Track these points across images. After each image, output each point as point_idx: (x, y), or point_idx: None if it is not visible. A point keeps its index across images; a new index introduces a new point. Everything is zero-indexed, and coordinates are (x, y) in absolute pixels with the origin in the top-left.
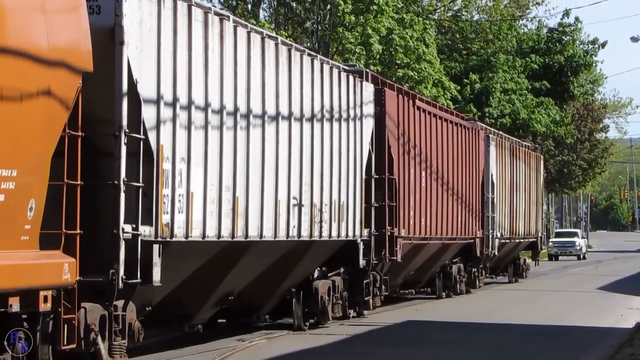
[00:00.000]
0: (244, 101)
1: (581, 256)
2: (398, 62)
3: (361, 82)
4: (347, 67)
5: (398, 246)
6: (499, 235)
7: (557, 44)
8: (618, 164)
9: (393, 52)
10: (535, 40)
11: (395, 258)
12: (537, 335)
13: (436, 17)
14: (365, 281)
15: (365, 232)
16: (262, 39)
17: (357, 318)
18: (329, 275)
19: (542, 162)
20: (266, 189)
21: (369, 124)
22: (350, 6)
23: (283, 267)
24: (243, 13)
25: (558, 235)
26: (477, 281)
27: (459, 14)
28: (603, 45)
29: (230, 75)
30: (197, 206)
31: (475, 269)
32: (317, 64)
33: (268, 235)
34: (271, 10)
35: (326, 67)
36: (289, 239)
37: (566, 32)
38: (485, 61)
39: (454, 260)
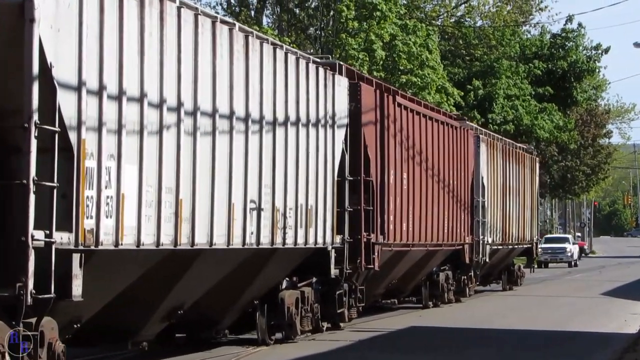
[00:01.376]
0: (189, 93)
1: (572, 263)
2: (401, 68)
3: (333, 75)
4: (318, 59)
5: (375, 254)
6: (490, 241)
7: (560, 50)
8: (621, 169)
9: (396, 58)
10: (539, 46)
11: (372, 267)
12: (540, 341)
13: (439, 23)
14: (338, 292)
15: (338, 238)
16: (213, 23)
17: (331, 331)
18: (299, 285)
19: (537, 164)
20: (217, 191)
21: (342, 121)
22: (354, 12)
23: (242, 277)
24: (246, 19)
25: (548, 240)
26: (467, 289)
27: (462, 20)
28: (606, 50)
29: (173, 62)
30: (129, 210)
31: (465, 277)
32: (280, 53)
33: (220, 242)
34: (274, 16)
35: (291, 58)
36: (246, 246)
37: (569, 38)
38: (489, 67)
39: (442, 268)
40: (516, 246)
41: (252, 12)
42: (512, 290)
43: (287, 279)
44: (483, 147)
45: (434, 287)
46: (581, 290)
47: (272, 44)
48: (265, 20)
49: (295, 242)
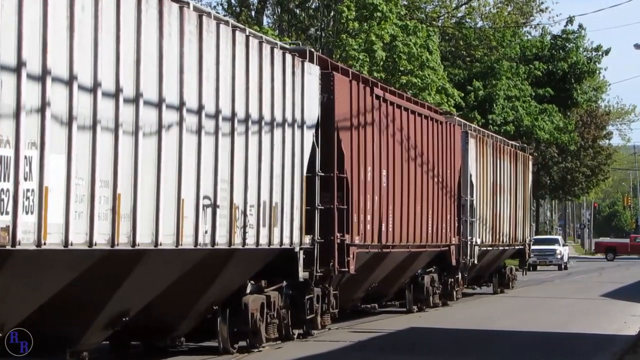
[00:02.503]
0: (130, 75)
1: (562, 266)
2: (401, 69)
3: (302, 62)
4: (286, 45)
5: (350, 256)
6: (479, 242)
7: (561, 51)
8: (621, 171)
9: (397, 59)
10: (539, 48)
11: (346, 270)
12: (539, 343)
13: (440, 24)
14: (307, 297)
15: (307, 239)
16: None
17: (303, 340)
18: (266, 289)
19: (530, 162)
20: (164, 185)
21: (312, 113)
22: (354, 13)
23: (197, 280)
24: (247, 20)
25: (536, 242)
26: (455, 293)
27: (463, 21)
28: (607, 52)
29: (110, 41)
30: (55, 205)
31: (452, 280)
32: (240, 36)
33: (167, 242)
34: (275, 17)
35: (254, 42)
36: (199, 247)
37: (570, 39)
38: (489, 68)
39: (427, 270)
40: (507, 247)
41: (253, 13)
42: (503, 293)
43: (252, 282)
44: (471, 144)
45: (419, 291)
46: (580, 292)
47: (233, 26)
48: (265, 20)
49: (258, 243)
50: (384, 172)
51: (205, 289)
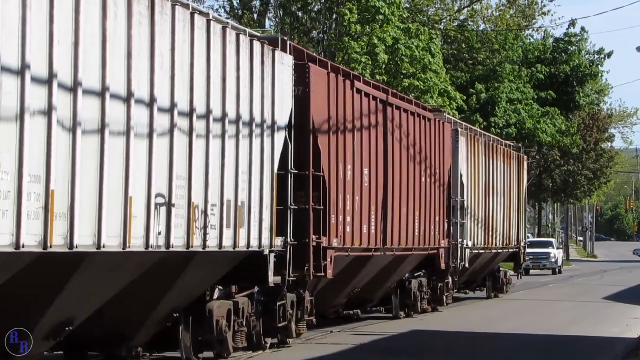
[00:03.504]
0: (67, 59)
1: (557, 270)
2: (404, 72)
3: (273, 51)
4: (256, 33)
5: (328, 260)
6: (470, 245)
7: (563, 54)
8: (624, 174)
9: (399, 62)
10: (542, 51)
11: (322, 274)
12: (543, 346)
13: (442, 27)
14: (279, 303)
15: (279, 241)
16: None
17: (275, 350)
18: (237, 295)
19: (525, 162)
20: (108, 182)
21: (285, 106)
22: (357, 16)
23: (153, 286)
24: (249, 22)
25: (530, 245)
26: (445, 298)
27: (465, 24)
28: (609, 55)
29: (42, 21)
30: None
31: (442, 284)
32: (200, 21)
33: (112, 244)
34: (277, 19)
35: (216, 27)
36: (151, 249)
37: (572, 42)
38: (491, 71)
39: (415, 274)
40: (501, 250)
41: (255, 16)
42: (498, 297)
43: (220, 287)
44: (462, 142)
45: (406, 296)
46: (582, 295)
47: (193, 9)
48: (268, 23)
49: (221, 245)
50: (365, 171)
51: (163, 295)
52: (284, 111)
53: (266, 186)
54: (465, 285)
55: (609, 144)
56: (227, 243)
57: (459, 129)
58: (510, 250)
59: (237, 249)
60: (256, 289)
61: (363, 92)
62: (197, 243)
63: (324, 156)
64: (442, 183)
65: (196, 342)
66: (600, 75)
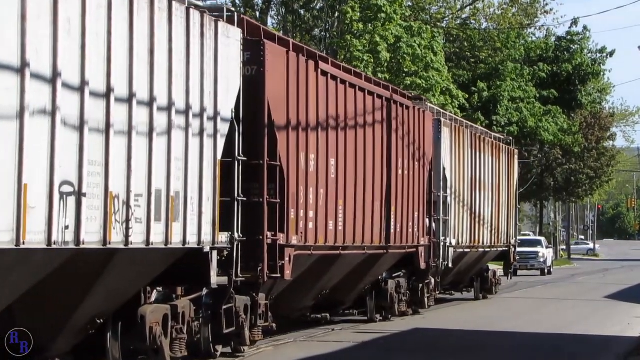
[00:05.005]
0: None
1: (545, 270)
2: (406, 70)
3: (216, 22)
4: (197, 2)
5: (286, 258)
6: (454, 244)
7: (565, 53)
8: (625, 172)
9: (401, 60)
10: (544, 49)
11: (277, 275)
12: (544, 345)
13: (444, 25)
14: (225, 307)
15: (223, 237)
16: None
17: (227, 358)
18: (182, 298)
19: (516, 157)
20: None
21: (230, 86)
22: (359, 14)
23: (68, 288)
24: None
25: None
26: (426, 299)
27: (467, 22)
28: (611, 54)
29: None
30: None
31: (422, 285)
32: None
33: (3, 240)
34: (279, 17)
35: None
36: (55, 246)
37: (574, 41)
38: (493, 69)
39: (394, 275)
40: (489, 249)
41: (258, 14)
42: (486, 299)
43: (159, 289)
44: (445, 133)
45: (382, 298)
46: (583, 293)
47: None
48: (270, 21)
49: (148, 242)
50: (332, 162)
51: (82, 299)
52: (230, 91)
53: (207, 175)
54: (450, 286)
55: (611, 142)
56: (157, 239)
57: (442, 119)
58: (499, 249)
59: (169, 246)
60: (205, 291)
61: (329, 75)
62: (116, 239)
63: (281, 144)
64: (422, 176)
65: (127, 351)
66: (602, 73)
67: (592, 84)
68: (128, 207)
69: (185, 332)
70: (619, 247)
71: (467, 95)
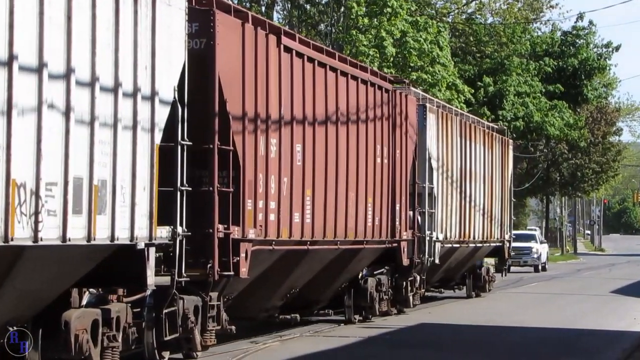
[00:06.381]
0: None
1: (539, 267)
2: (412, 65)
3: None
4: None
5: (242, 254)
6: (441, 238)
7: (571, 47)
8: (631, 167)
9: (407, 55)
10: (549, 44)
11: (231, 273)
12: (551, 339)
13: (450, 20)
14: (167, 310)
15: (163, 231)
16: None
17: None
18: (118, 301)
19: (510, 147)
20: None
21: (173, 60)
22: (364, 9)
23: None
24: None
25: None
26: (411, 298)
27: (473, 17)
28: (617, 48)
29: None
30: None
31: (406, 282)
32: None
33: None
34: (285, 12)
35: None
36: None
37: (580, 36)
38: (499, 64)
39: (375, 272)
40: (481, 245)
41: (263, 8)
42: (479, 296)
43: (91, 291)
44: (431, 120)
45: (361, 296)
46: (587, 289)
47: None
48: (275, 16)
49: (64, 237)
50: (298, 147)
51: None
52: (172, 66)
53: (141, 161)
54: (440, 284)
55: (617, 137)
56: (76, 234)
57: (428, 105)
58: (492, 245)
59: (93, 242)
60: (148, 291)
61: (294, 51)
62: (22, 234)
63: (235, 126)
64: (404, 166)
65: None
66: (608, 68)
67: (598, 79)
68: (37, 197)
69: (119, 339)
70: (625, 242)
71: (472, 90)
